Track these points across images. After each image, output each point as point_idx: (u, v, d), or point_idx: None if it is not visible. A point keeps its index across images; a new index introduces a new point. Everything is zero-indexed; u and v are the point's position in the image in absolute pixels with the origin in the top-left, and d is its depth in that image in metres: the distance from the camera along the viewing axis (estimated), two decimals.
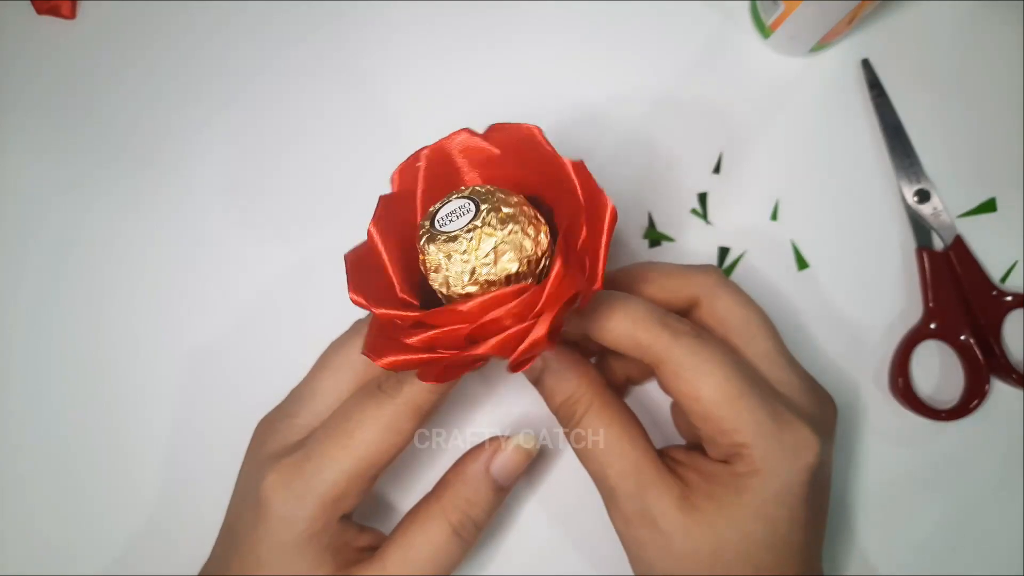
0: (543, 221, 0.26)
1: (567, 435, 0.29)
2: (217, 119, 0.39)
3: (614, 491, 0.27)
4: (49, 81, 0.39)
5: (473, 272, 0.24)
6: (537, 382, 0.30)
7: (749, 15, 0.38)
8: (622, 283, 0.29)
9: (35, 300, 0.37)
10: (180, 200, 0.38)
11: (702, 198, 0.37)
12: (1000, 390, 0.35)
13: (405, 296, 0.26)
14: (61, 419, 0.36)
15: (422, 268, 0.25)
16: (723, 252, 0.36)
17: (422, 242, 0.25)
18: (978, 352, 0.35)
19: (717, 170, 0.37)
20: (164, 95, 0.39)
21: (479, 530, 0.29)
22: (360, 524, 0.29)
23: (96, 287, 0.37)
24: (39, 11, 0.40)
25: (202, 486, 0.34)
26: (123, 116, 0.39)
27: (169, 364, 0.36)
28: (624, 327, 0.27)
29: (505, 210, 0.25)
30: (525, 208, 0.25)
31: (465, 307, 0.24)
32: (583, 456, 0.29)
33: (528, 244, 0.25)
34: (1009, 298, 0.35)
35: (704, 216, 0.37)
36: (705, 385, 0.26)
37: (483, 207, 0.25)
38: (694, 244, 0.36)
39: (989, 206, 0.36)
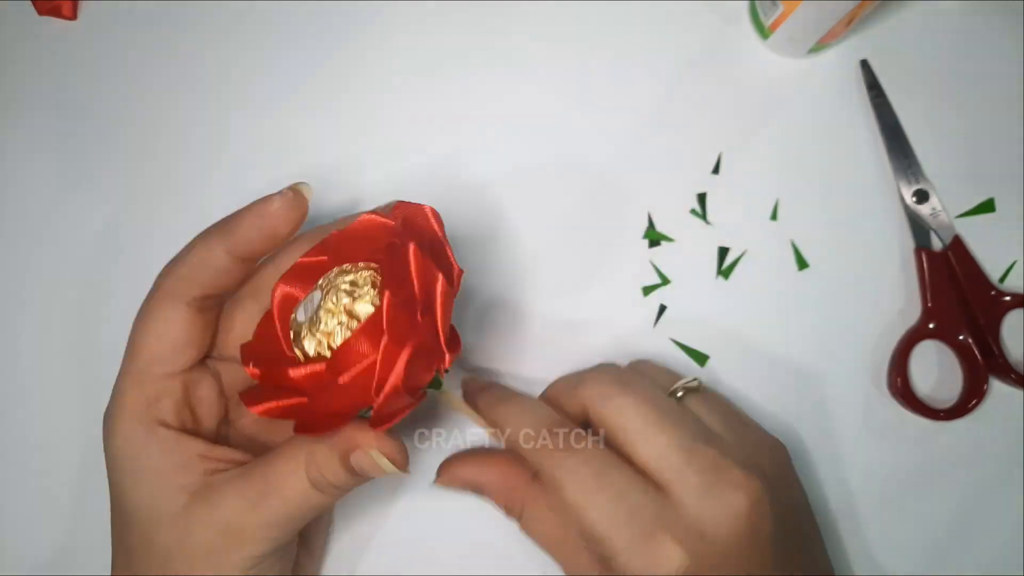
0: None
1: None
2: (218, 119, 0.39)
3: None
4: (50, 81, 0.39)
5: (323, 340, 0.25)
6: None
7: (748, 16, 0.38)
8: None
9: (34, 298, 0.37)
10: (180, 199, 0.38)
11: (701, 198, 0.37)
12: (999, 390, 0.35)
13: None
14: (60, 417, 0.36)
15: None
16: (723, 252, 0.36)
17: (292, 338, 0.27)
18: (977, 352, 0.35)
19: (716, 170, 0.37)
20: (165, 95, 0.39)
21: (338, 492, 0.28)
22: (223, 436, 0.30)
23: (95, 285, 0.37)
24: (40, 11, 0.40)
25: None
26: (124, 116, 0.39)
27: None
28: (513, 438, 0.29)
29: (343, 287, 0.26)
30: (362, 279, 0.26)
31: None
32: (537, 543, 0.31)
33: (361, 307, 0.25)
34: (1008, 298, 0.35)
35: (703, 216, 0.37)
36: (586, 511, 0.27)
37: (325, 293, 0.26)
38: (693, 244, 0.37)
39: (988, 206, 0.36)
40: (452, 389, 0.34)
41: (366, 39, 0.39)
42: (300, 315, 0.26)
